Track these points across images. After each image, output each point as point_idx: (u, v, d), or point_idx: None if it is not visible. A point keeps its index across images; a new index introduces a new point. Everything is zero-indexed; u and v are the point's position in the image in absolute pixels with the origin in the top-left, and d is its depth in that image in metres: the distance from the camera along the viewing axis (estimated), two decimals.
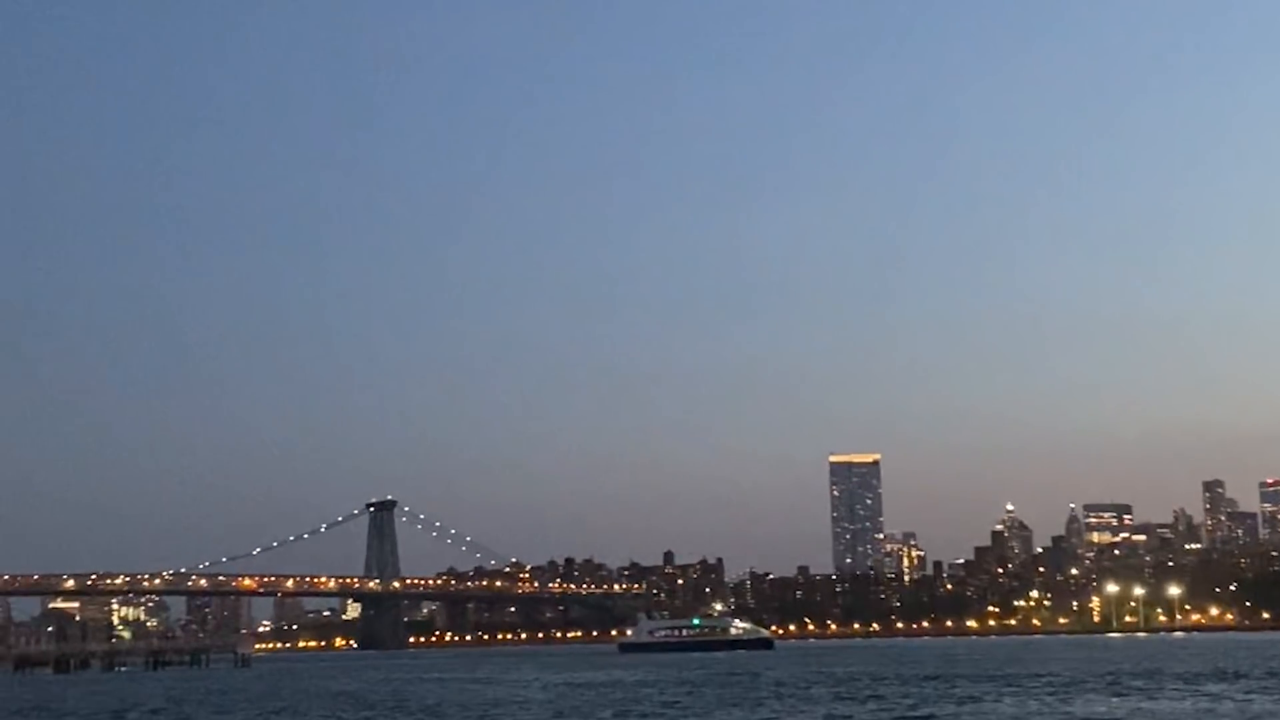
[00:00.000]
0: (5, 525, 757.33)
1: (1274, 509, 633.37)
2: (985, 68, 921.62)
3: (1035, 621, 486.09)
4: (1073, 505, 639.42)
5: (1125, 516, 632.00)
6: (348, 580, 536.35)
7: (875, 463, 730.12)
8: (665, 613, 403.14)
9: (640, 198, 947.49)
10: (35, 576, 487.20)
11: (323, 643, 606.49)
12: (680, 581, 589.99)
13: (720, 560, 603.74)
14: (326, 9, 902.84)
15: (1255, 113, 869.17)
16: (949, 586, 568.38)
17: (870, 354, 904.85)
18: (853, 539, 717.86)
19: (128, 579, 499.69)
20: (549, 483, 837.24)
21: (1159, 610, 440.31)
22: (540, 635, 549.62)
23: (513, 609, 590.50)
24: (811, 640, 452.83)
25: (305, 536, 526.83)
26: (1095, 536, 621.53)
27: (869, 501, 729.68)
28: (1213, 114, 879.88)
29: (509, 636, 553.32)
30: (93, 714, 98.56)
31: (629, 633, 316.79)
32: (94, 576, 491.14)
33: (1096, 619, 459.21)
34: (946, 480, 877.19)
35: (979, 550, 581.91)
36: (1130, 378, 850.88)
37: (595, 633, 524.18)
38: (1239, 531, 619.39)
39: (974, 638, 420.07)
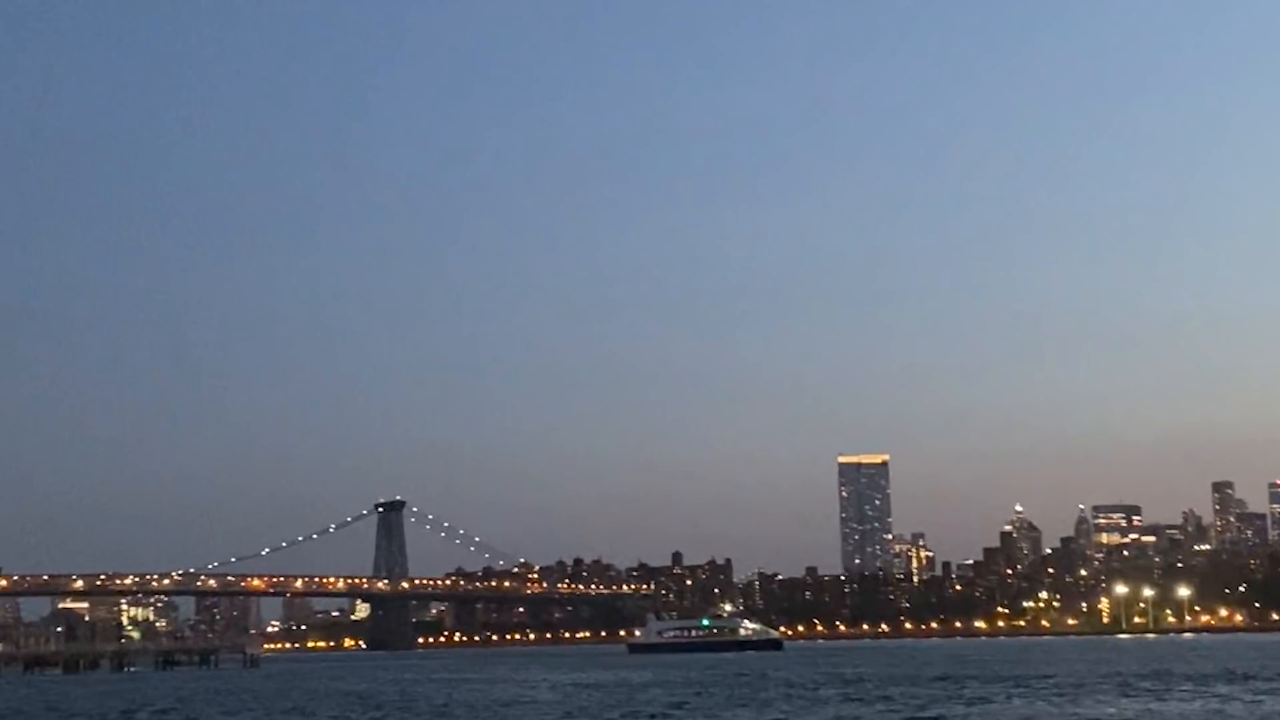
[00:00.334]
0: (14, 526, 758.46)
1: None
2: (990, 66, 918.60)
3: (1044, 623, 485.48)
4: (1082, 506, 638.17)
5: (1134, 518, 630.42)
6: (356, 581, 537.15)
7: (884, 463, 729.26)
8: (674, 613, 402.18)
9: (646, 197, 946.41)
10: (44, 577, 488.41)
11: (331, 643, 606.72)
12: (689, 582, 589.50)
13: (729, 561, 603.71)
14: (325, 8, 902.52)
15: (1259, 112, 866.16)
16: (958, 587, 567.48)
17: (879, 354, 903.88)
18: (861, 540, 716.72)
19: (137, 579, 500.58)
20: (557, 483, 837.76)
21: (1168, 611, 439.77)
22: (549, 636, 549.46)
23: (521, 609, 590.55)
24: (820, 641, 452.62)
25: (314, 537, 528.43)
26: (1104, 538, 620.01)
27: (878, 502, 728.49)
28: (1217, 113, 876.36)
29: (517, 637, 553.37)
30: (102, 714, 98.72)
31: (638, 633, 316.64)
32: (103, 577, 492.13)
33: (1105, 620, 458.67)
34: (955, 481, 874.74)
35: (988, 551, 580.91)
36: (1140, 379, 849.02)
37: (604, 633, 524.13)
38: (1248, 532, 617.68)
39: (983, 639, 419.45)
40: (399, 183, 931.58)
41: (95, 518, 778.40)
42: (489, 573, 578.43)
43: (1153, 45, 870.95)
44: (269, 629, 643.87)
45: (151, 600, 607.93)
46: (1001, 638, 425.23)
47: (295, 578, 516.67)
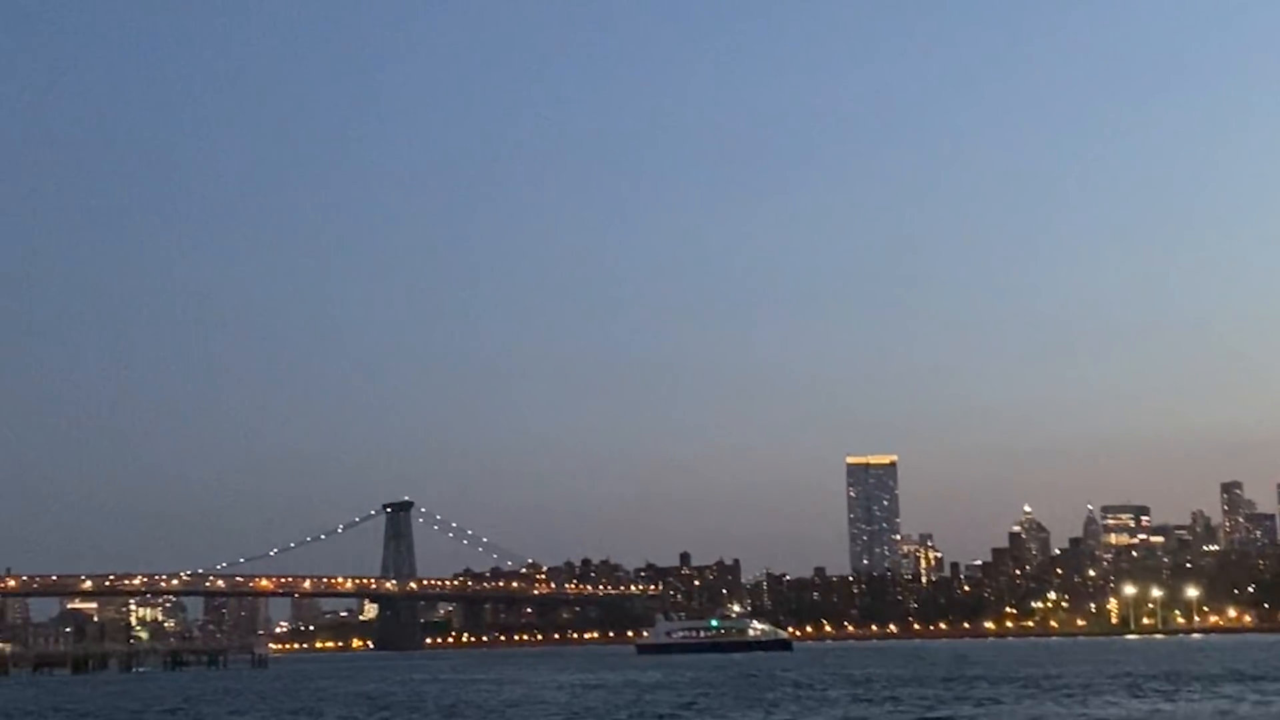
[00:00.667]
0: (23, 526, 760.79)
1: None
2: (1011, 63, 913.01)
3: (1053, 623, 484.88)
4: (1090, 507, 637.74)
5: (1143, 518, 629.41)
6: (365, 581, 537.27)
7: (892, 464, 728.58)
8: (682, 614, 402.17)
9: (657, 196, 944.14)
10: (53, 577, 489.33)
11: (340, 643, 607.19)
12: (697, 582, 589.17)
13: (737, 561, 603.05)
14: (331, 7, 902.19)
15: None
16: (966, 588, 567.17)
17: (887, 354, 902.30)
18: (869, 540, 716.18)
19: (145, 580, 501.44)
20: (565, 484, 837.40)
21: (1177, 612, 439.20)
22: (557, 636, 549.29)
23: (529, 610, 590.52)
24: (829, 641, 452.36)
25: (322, 537, 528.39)
26: (1113, 538, 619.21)
27: (886, 503, 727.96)
28: (1238, 112, 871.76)
29: (525, 637, 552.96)
30: (110, 714, 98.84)
31: (646, 634, 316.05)
32: (112, 577, 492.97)
33: (1114, 621, 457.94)
34: (964, 481, 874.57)
35: (996, 552, 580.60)
36: (1147, 380, 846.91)
37: (612, 634, 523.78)
38: (1257, 533, 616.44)
39: (991, 639, 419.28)
40: (409, 182, 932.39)
41: (104, 519, 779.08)
42: (497, 573, 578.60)
43: (1178, 42, 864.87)
44: (277, 629, 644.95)
45: (160, 601, 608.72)
46: (1010, 638, 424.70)
47: (303, 578, 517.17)
